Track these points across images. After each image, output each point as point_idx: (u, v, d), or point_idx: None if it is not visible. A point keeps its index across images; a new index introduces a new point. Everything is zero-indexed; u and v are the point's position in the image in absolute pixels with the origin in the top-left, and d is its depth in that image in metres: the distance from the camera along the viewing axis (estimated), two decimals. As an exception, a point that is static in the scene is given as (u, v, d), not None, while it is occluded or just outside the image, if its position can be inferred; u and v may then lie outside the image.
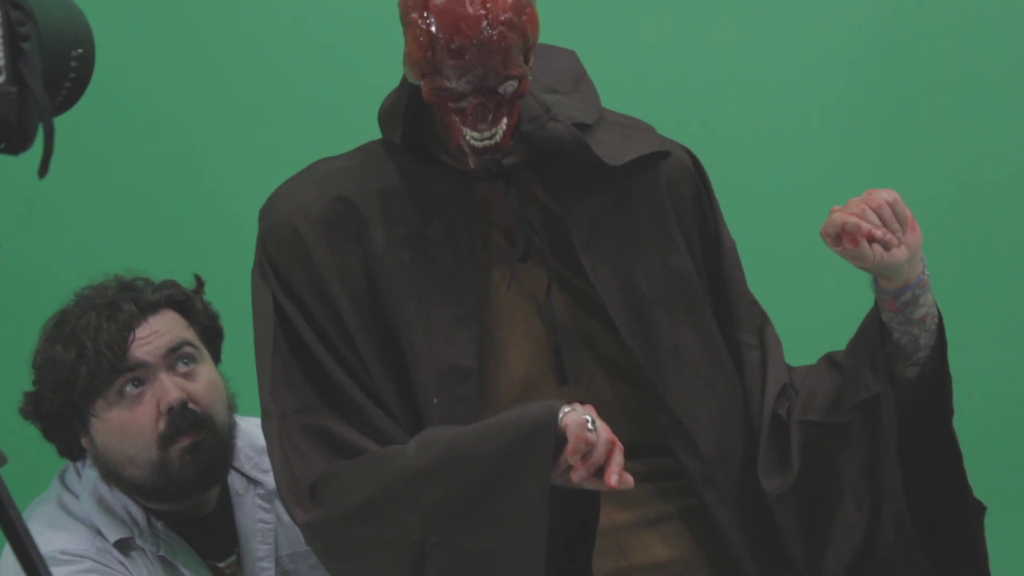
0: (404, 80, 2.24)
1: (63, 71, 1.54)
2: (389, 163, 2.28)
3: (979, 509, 2.28)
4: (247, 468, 2.67)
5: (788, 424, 2.29)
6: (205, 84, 3.49)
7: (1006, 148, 3.59)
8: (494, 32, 2.08)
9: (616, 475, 2.04)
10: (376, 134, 2.34)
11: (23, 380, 2.60)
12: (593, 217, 2.27)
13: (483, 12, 2.08)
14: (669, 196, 2.32)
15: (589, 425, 2.05)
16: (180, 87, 3.48)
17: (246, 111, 3.50)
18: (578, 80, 2.35)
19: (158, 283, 2.62)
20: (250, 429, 2.66)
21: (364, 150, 2.33)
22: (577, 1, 3.46)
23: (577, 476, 2.04)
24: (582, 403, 2.10)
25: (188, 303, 2.63)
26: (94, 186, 3.44)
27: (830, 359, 2.34)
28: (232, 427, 2.62)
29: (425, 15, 2.09)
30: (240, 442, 2.65)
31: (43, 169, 1.47)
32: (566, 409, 2.07)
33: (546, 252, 2.25)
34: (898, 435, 2.23)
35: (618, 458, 2.05)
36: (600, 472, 2.05)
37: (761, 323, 2.38)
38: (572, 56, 2.38)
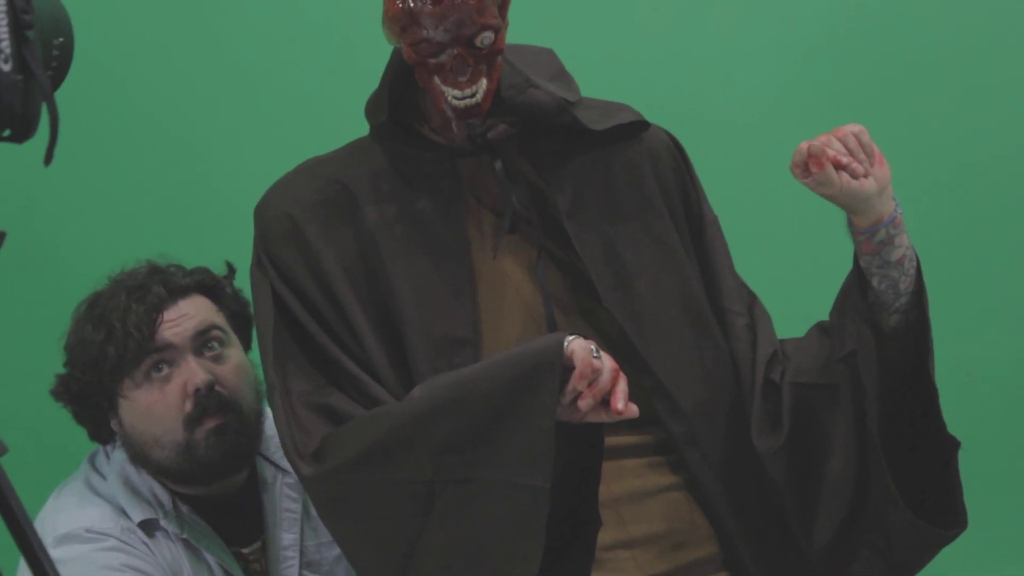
0: (387, 67, 2.32)
1: (46, 59, 1.55)
2: (377, 148, 2.35)
3: (954, 445, 2.29)
4: (276, 456, 2.67)
5: (779, 387, 2.32)
6: (205, 77, 3.53)
7: (1005, 132, 3.60)
8: None
9: (622, 401, 2.08)
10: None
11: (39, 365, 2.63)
12: (577, 186, 2.33)
13: None
14: (651, 167, 2.38)
15: (594, 352, 2.09)
16: (180, 79, 3.52)
17: (247, 104, 3.54)
18: (558, 74, 2.40)
19: (189, 269, 2.65)
20: None
21: (352, 144, 2.40)
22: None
23: (584, 403, 2.08)
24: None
25: (218, 288, 2.65)
26: (95, 177, 3.47)
27: (820, 327, 2.37)
28: (260, 412, 2.64)
29: None
30: (269, 431, 2.65)
31: (48, 156, 1.48)
32: (570, 338, 2.11)
33: (534, 223, 2.30)
34: (882, 387, 2.26)
35: (622, 385, 2.09)
36: (605, 403, 2.09)
37: (749, 298, 2.42)
38: (551, 53, 2.43)
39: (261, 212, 2.36)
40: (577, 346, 2.09)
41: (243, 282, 2.52)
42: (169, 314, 2.57)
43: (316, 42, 3.53)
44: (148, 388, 2.56)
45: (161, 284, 2.59)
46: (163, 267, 2.64)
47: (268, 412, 2.67)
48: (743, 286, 2.43)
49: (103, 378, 2.55)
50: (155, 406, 2.55)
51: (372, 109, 2.37)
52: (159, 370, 2.56)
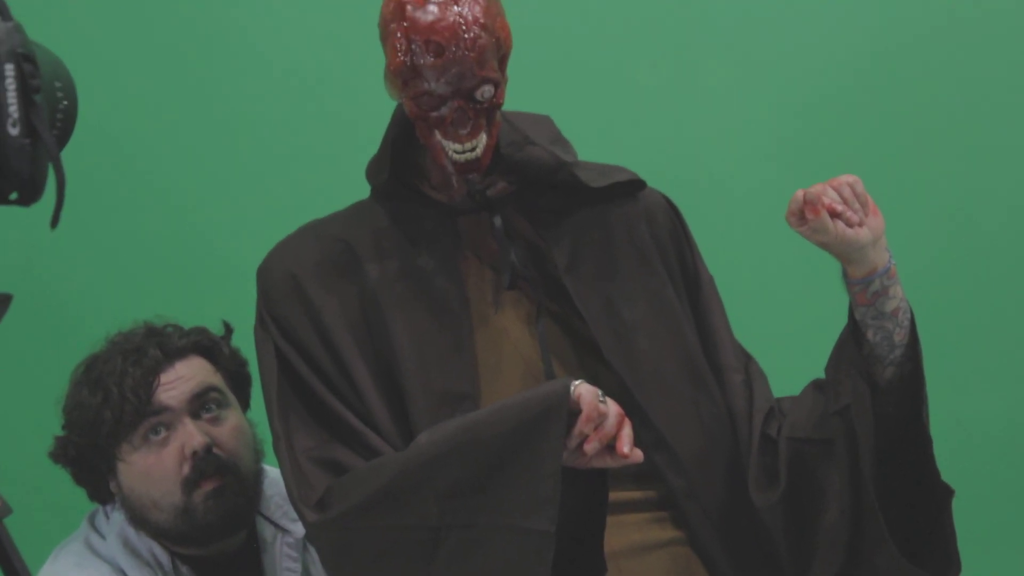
0: (388, 127, 2.36)
1: (50, 121, 1.56)
2: (379, 208, 2.38)
3: (947, 493, 2.31)
4: (276, 516, 2.66)
5: (776, 442, 2.34)
6: (203, 138, 3.54)
7: (1001, 189, 3.63)
8: (469, 33, 2.20)
9: (628, 445, 2.10)
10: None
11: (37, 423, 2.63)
12: (575, 243, 2.36)
13: (458, 18, 2.21)
14: (647, 226, 2.41)
15: (600, 396, 2.11)
16: (178, 140, 3.54)
17: (245, 165, 3.56)
18: (555, 138, 2.43)
19: (186, 329, 2.64)
20: (280, 478, 2.66)
21: (353, 206, 2.44)
22: (573, 46, 3.50)
23: (590, 446, 2.09)
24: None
25: (215, 349, 2.64)
26: (95, 237, 3.49)
27: (815, 384, 2.39)
28: (259, 473, 2.63)
29: (404, 24, 2.21)
30: (269, 490, 2.65)
31: (55, 219, 1.49)
32: (576, 383, 2.13)
33: (532, 279, 2.33)
34: (876, 436, 2.27)
35: (628, 430, 2.11)
36: (611, 448, 2.10)
37: (745, 359, 2.44)
38: (548, 119, 2.47)
39: (264, 272, 2.38)
40: (584, 390, 2.12)
41: (241, 341, 2.53)
42: (166, 376, 2.56)
43: (312, 105, 3.56)
44: (146, 451, 2.55)
45: (158, 347, 2.58)
46: (160, 328, 2.64)
47: (268, 471, 2.68)
48: (739, 345, 2.45)
49: (101, 442, 2.55)
50: (153, 469, 2.55)
51: (373, 170, 2.41)
52: (157, 433, 2.55)
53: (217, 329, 2.69)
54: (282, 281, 2.34)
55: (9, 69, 1.44)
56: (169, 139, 3.53)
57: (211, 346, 2.64)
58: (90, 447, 2.56)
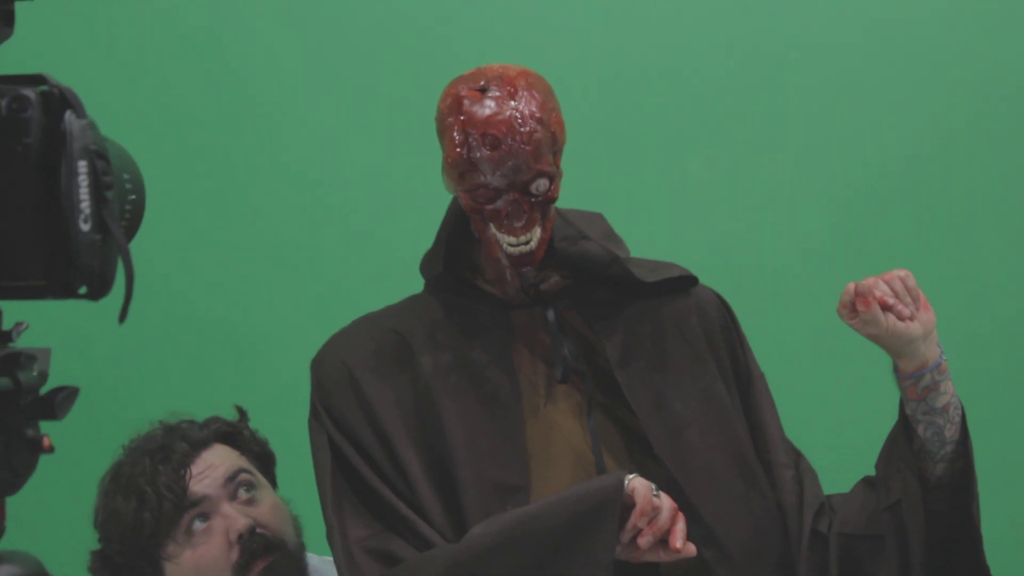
0: (443, 222, 2.40)
1: (119, 214, 1.58)
2: (433, 301, 2.41)
3: None
4: None
5: (827, 537, 2.33)
6: (241, 245, 3.60)
7: (1010, 292, 3.63)
8: (525, 127, 2.23)
9: (681, 540, 2.11)
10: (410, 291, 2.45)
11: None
12: (626, 337, 2.37)
13: (514, 111, 2.23)
14: (699, 321, 2.42)
15: (654, 491, 2.13)
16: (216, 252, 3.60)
17: (284, 264, 3.62)
18: (608, 235, 2.45)
19: (203, 421, 2.65)
20: (321, 567, 2.65)
21: (407, 299, 2.46)
22: (627, 140, 3.52)
23: (644, 540, 2.11)
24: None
25: (235, 434, 2.65)
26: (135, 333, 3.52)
27: (865, 481, 2.39)
28: (302, 547, 2.63)
29: (461, 118, 2.24)
30: (313, 561, 2.64)
31: (123, 314, 1.50)
32: (630, 476, 2.15)
33: (583, 373, 2.34)
34: (927, 532, 2.27)
35: (681, 524, 2.13)
36: (664, 542, 2.11)
37: (795, 455, 2.44)
38: (600, 216, 2.49)
39: (317, 364, 2.40)
40: (638, 484, 2.14)
41: (288, 426, 2.54)
42: (196, 467, 2.56)
43: (344, 214, 3.61)
44: (191, 546, 2.54)
45: (181, 440, 2.58)
46: (176, 424, 2.64)
47: (310, 559, 2.66)
48: (789, 443, 2.45)
49: (144, 544, 2.53)
50: (203, 561, 2.54)
51: (428, 264, 2.44)
52: (199, 523, 2.55)
53: (231, 415, 2.70)
54: (335, 372, 2.36)
55: (82, 166, 1.45)
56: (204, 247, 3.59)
57: (231, 432, 2.65)
58: (134, 553, 2.54)
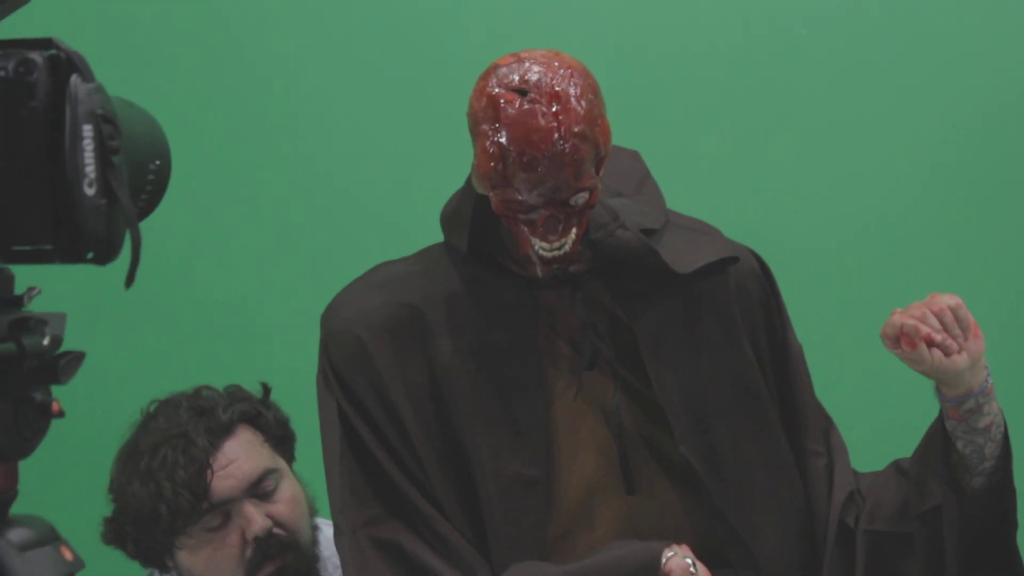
0: (468, 184, 2.21)
1: (141, 183, 1.57)
2: (453, 268, 2.25)
3: None
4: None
5: (855, 533, 2.27)
6: (253, 238, 3.61)
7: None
8: (567, 145, 2.02)
9: None
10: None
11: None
12: (660, 325, 2.24)
13: (555, 124, 2.03)
14: (737, 302, 2.29)
15: (691, 569, 2.08)
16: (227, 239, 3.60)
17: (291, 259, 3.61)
18: (642, 181, 2.33)
19: (227, 396, 2.61)
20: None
21: (426, 254, 2.32)
22: (639, 115, 3.49)
23: None
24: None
25: (259, 417, 2.61)
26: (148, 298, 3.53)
27: (897, 466, 2.32)
28: (316, 539, 2.62)
29: (496, 126, 2.04)
30: (326, 551, 2.63)
31: (130, 279, 1.49)
32: (669, 553, 2.09)
33: (612, 360, 2.23)
34: (961, 545, 2.22)
35: None
36: None
37: (827, 428, 2.36)
38: (635, 156, 2.36)
39: (329, 322, 2.28)
40: (675, 564, 2.09)
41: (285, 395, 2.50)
42: (218, 463, 2.53)
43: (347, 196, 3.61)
44: (205, 540, 2.54)
45: (204, 431, 2.54)
46: (202, 403, 2.59)
47: (322, 527, 2.66)
48: (822, 415, 2.37)
49: (158, 534, 2.53)
50: (215, 555, 2.54)
51: (450, 227, 2.28)
52: (216, 520, 2.54)
53: (255, 390, 2.67)
54: (349, 343, 2.23)
55: (87, 130, 1.44)
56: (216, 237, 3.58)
57: (256, 415, 2.61)
58: (148, 537, 2.54)
